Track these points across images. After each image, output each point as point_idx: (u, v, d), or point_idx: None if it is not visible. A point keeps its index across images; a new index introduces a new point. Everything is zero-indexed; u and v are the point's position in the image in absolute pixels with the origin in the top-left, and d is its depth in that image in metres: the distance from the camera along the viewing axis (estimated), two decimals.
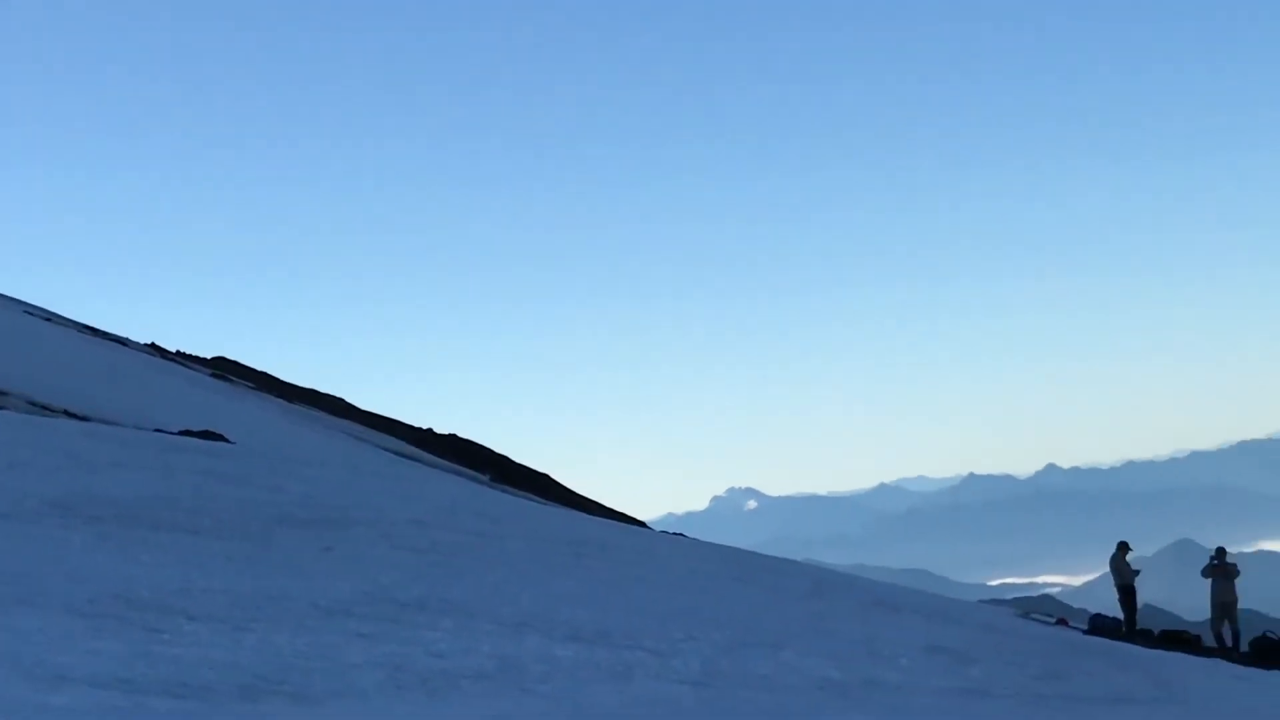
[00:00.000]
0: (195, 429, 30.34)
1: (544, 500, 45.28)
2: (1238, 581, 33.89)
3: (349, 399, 69.36)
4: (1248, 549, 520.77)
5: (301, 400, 61.19)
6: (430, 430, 64.27)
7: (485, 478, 47.55)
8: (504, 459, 61.10)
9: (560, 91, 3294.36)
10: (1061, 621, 35.89)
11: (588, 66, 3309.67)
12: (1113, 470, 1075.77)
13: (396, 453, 45.52)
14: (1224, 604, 33.21)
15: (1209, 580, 33.80)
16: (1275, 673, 27.41)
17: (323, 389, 71.36)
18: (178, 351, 69.49)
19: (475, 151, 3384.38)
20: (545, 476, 60.59)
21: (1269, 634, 33.22)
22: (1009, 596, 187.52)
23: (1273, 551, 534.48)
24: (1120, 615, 35.01)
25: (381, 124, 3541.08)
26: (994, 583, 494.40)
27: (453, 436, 64.23)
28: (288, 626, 10.91)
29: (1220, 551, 34.55)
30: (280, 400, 57.03)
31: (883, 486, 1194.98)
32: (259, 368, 72.35)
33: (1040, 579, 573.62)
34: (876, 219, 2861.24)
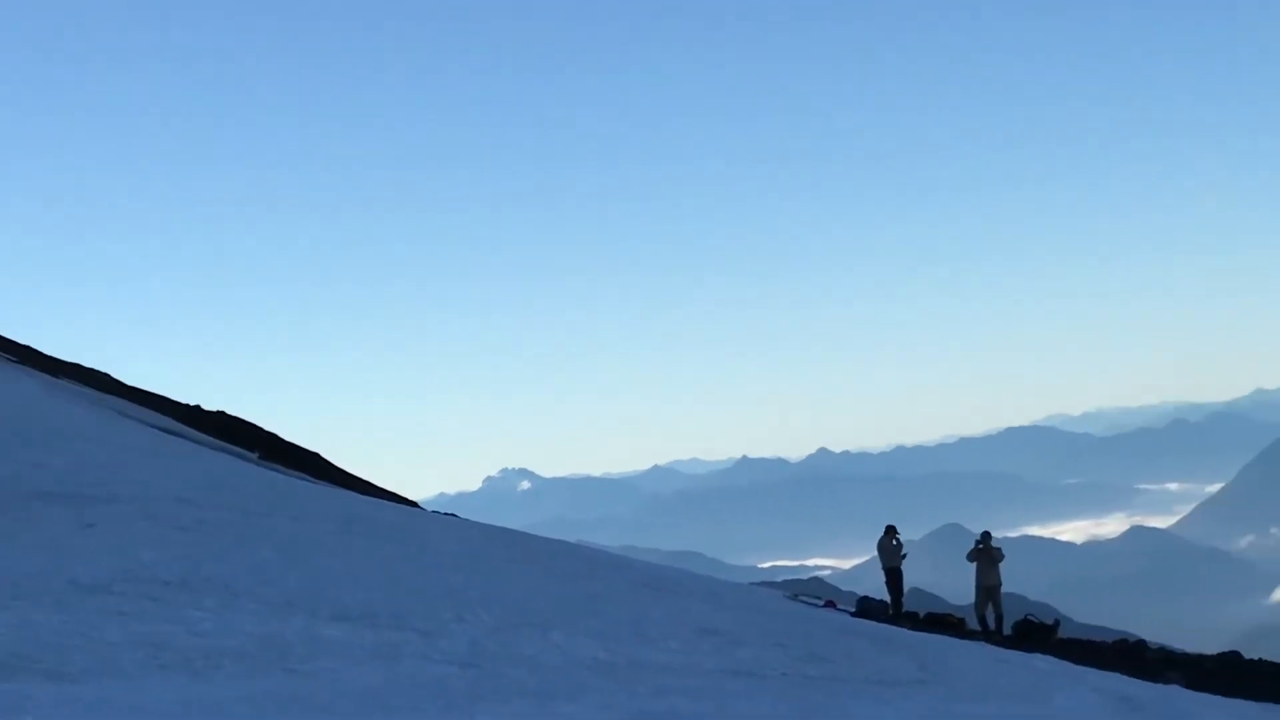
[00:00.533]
0: None
1: (314, 479, 44.78)
2: (1002, 566, 34.81)
3: (115, 374, 67.76)
4: (1013, 533, 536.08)
5: (65, 375, 59.60)
6: (198, 407, 63.07)
7: (254, 455, 46.80)
8: (273, 437, 60.20)
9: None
10: (829, 604, 36.58)
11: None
12: (883, 455, 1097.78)
13: (162, 429, 44.57)
14: (988, 588, 34.07)
15: (974, 564, 34.65)
16: (1036, 655, 28.33)
17: (88, 364, 69.54)
18: None
19: (226, 120, 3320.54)
20: (315, 455, 59.82)
21: (1030, 617, 34.31)
22: (779, 579, 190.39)
23: (1037, 536, 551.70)
24: (887, 598, 35.73)
25: (125, 84, 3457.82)
26: (765, 565, 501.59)
27: (221, 413, 63.09)
28: (46, 604, 10.71)
29: (985, 536, 35.43)
30: (43, 374, 55.52)
31: (656, 468, 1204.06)
32: (20, 341, 70.35)
33: (811, 562, 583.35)
34: (645, 203, 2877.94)
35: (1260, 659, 34.37)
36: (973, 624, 34.83)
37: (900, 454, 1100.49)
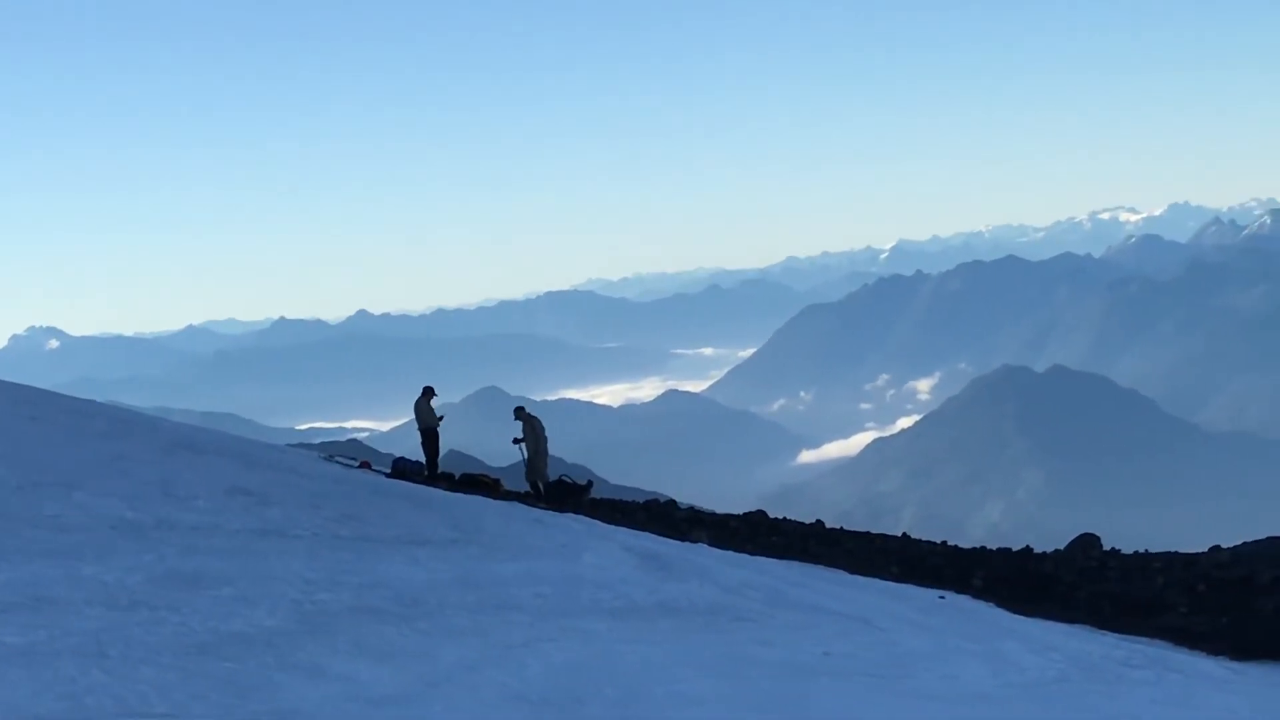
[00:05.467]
0: None
1: None
2: (541, 428, 35.48)
3: None
4: (551, 397, 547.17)
5: None
6: None
7: None
8: None
9: None
10: (364, 465, 36.73)
11: None
12: (423, 317, 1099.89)
13: None
14: (532, 451, 34.67)
15: (519, 426, 35.19)
16: (569, 515, 29.20)
17: None
18: None
19: None
20: None
21: (565, 478, 35.24)
22: (316, 441, 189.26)
23: (574, 399, 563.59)
24: (423, 459, 36.01)
25: None
26: (302, 427, 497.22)
27: None
28: None
29: (519, 410, 35.97)
30: None
31: (190, 328, 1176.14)
32: None
33: (349, 424, 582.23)
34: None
35: (784, 518, 36.31)
36: (514, 486, 35.51)
37: (440, 316, 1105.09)
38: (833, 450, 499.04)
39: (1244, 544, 31.98)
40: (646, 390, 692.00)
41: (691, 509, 38.03)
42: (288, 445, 51.22)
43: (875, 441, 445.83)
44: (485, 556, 17.69)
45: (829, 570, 26.54)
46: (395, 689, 10.18)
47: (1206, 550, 31.10)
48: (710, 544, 28.17)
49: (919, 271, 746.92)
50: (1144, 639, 22.59)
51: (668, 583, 18.23)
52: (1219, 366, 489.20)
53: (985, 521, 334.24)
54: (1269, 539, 32.28)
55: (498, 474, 37.78)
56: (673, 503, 39.69)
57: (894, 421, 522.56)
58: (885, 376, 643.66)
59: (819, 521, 35.43)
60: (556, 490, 33.90)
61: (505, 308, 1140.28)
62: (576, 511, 31.20)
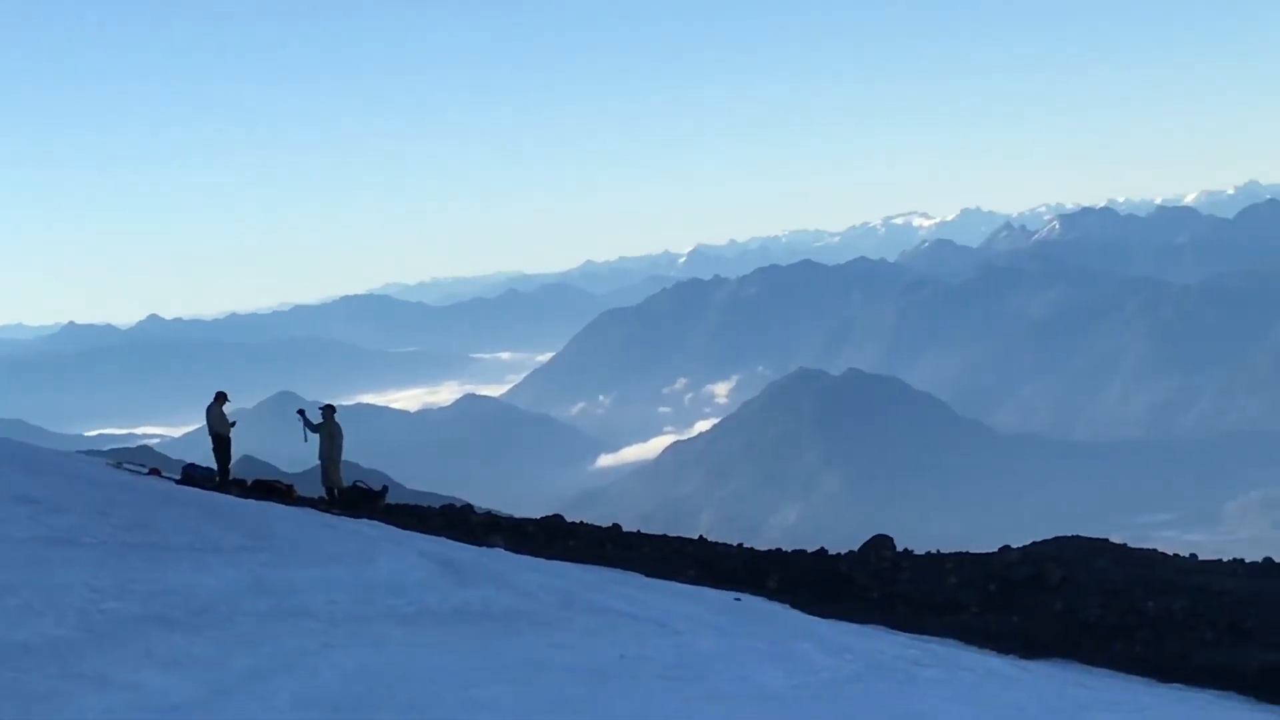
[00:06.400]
0: None
1: None
2: (339, 434, 35.20)
3: None
4: (348, 401, 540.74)
5: None
6: None
7: None
8: None
9: None
10: (154, 471, 36.10)
11: None
12: (216, 322, 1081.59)
13: None
14: (327, 456, 34.38)
15: (313, 435, 34.87)
16: (364, 521, 29.07)
17: None
18: None
19: None
20: None
21: (360, 483, 35.02)
22: (106, 448, 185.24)
23: (370, 404, 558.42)
24: (214, 466, 35.52)
25: None
26: (91, 434, 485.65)
27: None
28: None
29: (329, 409, 35.67)
30: None
31: None
32: None
33: (140, 430, 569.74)
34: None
35: (582, 522, 36.51)
36: (309, 491, 35.19)
37: (234, 321, 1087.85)
38: (631, 454, 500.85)
39: (1034, 544, 32.89)
40: (444, 394, 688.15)
41: (488, 514, 38.06)
42: (76, 452, 50.16)
43: (673, 445, 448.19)
44: (277, 563, 17.56)
45: (625, 574, 26.71)
46: (184, 697, 10.10)
47: (997, 550, 31.91)
48: (507, 549, 28.23)
49: (716, 276, 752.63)
50: (936, 638, 23.12)
51: (463, 588, 18.26)
52: (1010, 369, 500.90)
53: (782, 523, 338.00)
54: (1057, 539, 33.24)
55: (292, 479, 37.30)
56: (469, 507, 39.67)
57: (692, 425, 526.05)
58: (683, 380, 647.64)
59: (616, 525, 35.64)
60: (351, 495, 33.68)
61: (300, 312, 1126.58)
62: (371, 517, 31.09)
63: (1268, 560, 31.25)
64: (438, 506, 37.73)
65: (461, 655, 13.24)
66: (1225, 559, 32.40)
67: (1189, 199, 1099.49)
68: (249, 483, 35.09)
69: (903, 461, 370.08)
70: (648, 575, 26.85)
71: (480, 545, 27.75)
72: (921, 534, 73.89)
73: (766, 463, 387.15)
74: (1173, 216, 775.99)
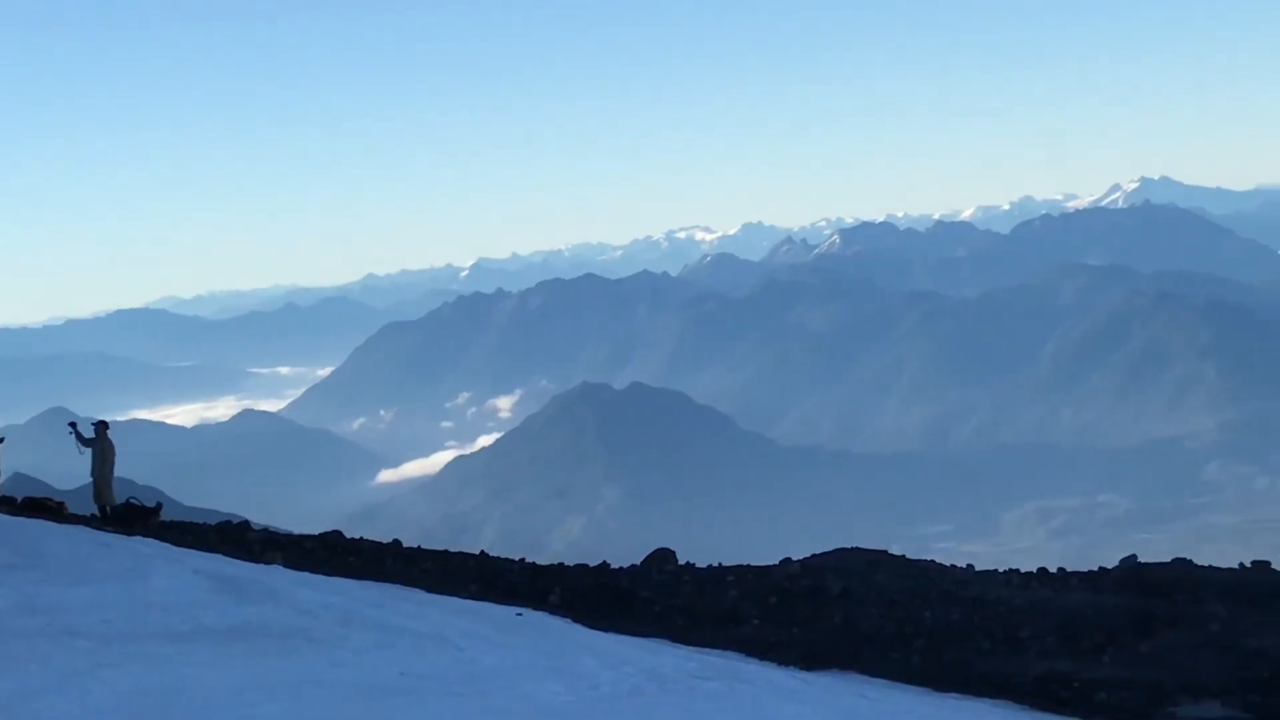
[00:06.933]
0: None
1: None
2: (111, 450, 34.56)
3: None
4: (122, 417, 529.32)
5: None
6: None
7: None
8: None
9: None
10: None
11: None
12: None
13: None
14: (99, 473, 33.76)
15: (86, 450, 34.21)
16: (138, 538, 28.52)
17: None
18: None
19: None
20: None
21: (133, 500, 34.38)
22: None
23: (145, 420, 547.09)
24: None
25: None
26: None
27: None
28: None
29: (99, 425, 35.01)
30: None
31: None
32: None
33: None
34: None
35: (362, 537, 36.21)
36: (75, 508, 34.49)
37: (3, 335, 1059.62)
38: (413, 469, 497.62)
39: (814, 556, 33.36)
40: (221, 410, 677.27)
41: (266, 530, 37.56)
42: None
43: (456, 459, 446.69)
44: (47, 581, 17.21)
45: (406, 590, 26.61)
46: None
47: (779, 563, 32.31)
48: (285, 566, 27.93)
49: (499, 289, 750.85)
50: (717, 651, 23.37)
51: (240, 606, 18.05)
52: (791, 382, 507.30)
53: (566, 537, 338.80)
54: (838, 551, 33.76)
55: (64, 497, 36.48)
56: (247, 524, 39.10)
57: (475, 439, 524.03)
58: (466, 394, 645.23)
59: (397, 541, 35.43)
60: (124, 513, 33.09)
61: (73, 326, 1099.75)
62: (145, 534, 30.54)
63: (1042, 570, 32.09)
64: (214, 524, 37.10)
65: (238, 674, 13.10)
66: (1001, 569, 33.14)
67: (966, 214, 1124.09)
68: (19, 500, 34.30)
69: (686, 475, 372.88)
70: (429, 591, 26.77)
71: (258, 563, 27.43)
72: (704, 547, 74.48)
73: (550, 477, 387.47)
74: (950, 231, 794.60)
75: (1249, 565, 31.20)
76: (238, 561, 26.38)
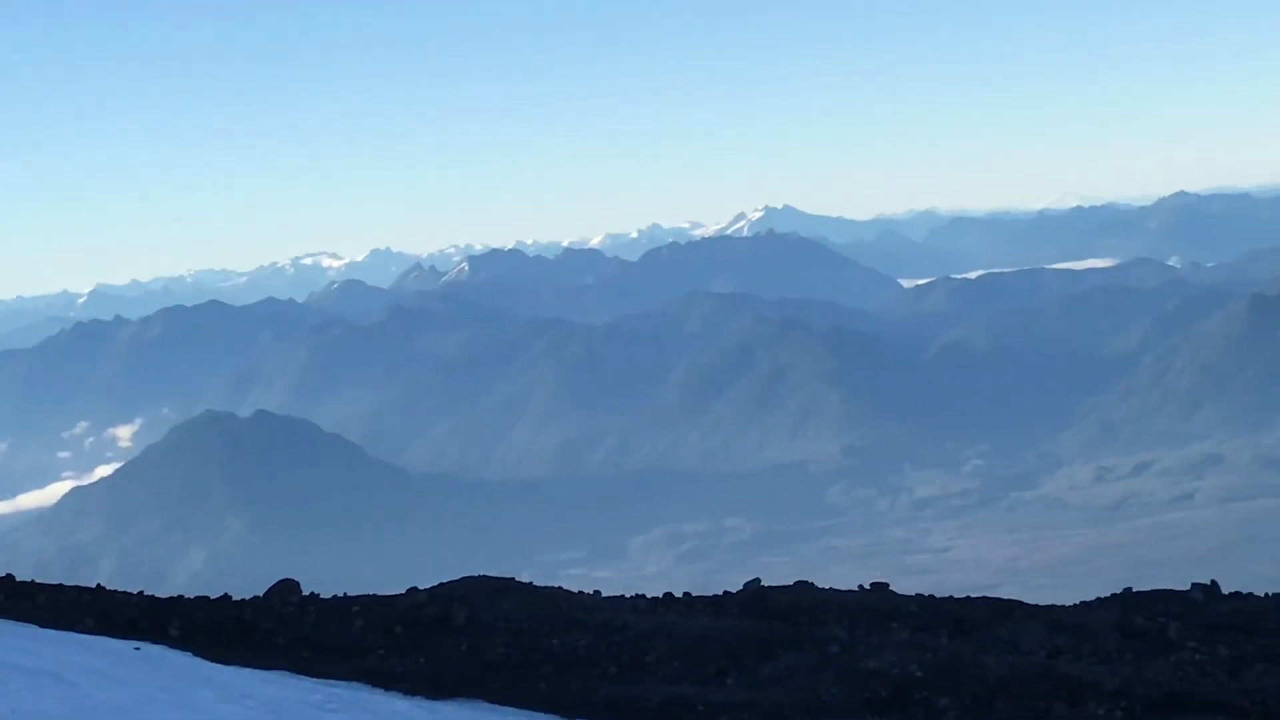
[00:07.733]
0: None
1: None
2: None
3: None
4: None
5: None
6: None
7: None
8: None
9: None
10: None
11: None
12: None
13: None
14: None
15: None
16: None
17: None
18: None
19: None
20: None
21: None
22: None
23: None
24: None
25: None
26: None
27: None
28: None
29: None
30: None
31: None
32: None
33: None
34: None
35: None
36: None
37: None
38: (28, 501, 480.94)
39: (441, 585, 33.44)
40: None
41: None
42: None
43: (73, 490, 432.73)
44: None
45: (18, 625, 25.79)
46: None
47: (405, 592, 32.30)
48: None
49: (118, 316, 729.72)
50: (343, 682, 23.28)
51: None
52: (420, 409, 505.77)
53: (188, 569, 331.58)
54: (465, 579, 33.92)
55: None
56: None
57: (93, 470, 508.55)
58: (84, 424, 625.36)
59: (9, 575, 34.20)
60: None
61: None
62: None
63: (668, 595, 32.85)
64: None
65: None
66: (629, 595, 33.81)
67: (595, 241, 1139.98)
68: None
69: (313, 504, 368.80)
70: (42, 626, 25.96)
71: None
72: (332, 577, 73.94)
73: (172, 507, 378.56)
74: (579, 258, 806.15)
75: (868, 587, 32.52)
76: None
